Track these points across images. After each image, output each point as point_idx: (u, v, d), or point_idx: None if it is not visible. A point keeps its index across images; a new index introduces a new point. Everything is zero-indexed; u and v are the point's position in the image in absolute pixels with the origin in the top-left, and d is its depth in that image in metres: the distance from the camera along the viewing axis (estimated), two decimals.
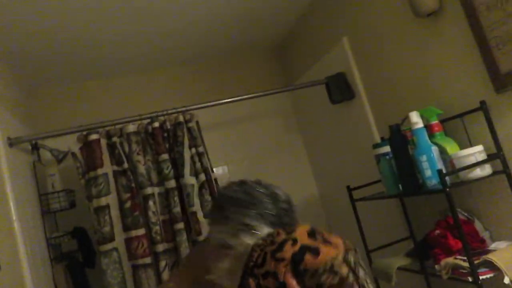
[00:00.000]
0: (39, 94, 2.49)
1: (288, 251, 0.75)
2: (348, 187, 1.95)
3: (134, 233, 1.78)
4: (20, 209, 1.68)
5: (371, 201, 1.92)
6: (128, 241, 1.79)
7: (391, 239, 1.97)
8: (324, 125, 2.58)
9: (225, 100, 2.12)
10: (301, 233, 0.79)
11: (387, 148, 1.74)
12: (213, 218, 0.90)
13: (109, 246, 1.77)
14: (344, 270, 0.73)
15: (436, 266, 1.48)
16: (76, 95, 2.56)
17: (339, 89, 2.20)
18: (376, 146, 1.84)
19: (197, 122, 2.03)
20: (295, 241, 0.76)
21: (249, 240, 0.82)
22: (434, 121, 1.58)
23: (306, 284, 0.72)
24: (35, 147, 2.05)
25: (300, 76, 2.72)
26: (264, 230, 0.82)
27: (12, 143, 1.76)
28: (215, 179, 2.00)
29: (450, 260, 1.42)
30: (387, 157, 1.74)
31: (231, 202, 0.87)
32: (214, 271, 0.87)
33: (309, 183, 2.85)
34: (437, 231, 1.58)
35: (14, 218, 1.62)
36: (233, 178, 2.64)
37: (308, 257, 0.73)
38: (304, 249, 0.74)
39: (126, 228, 1.80)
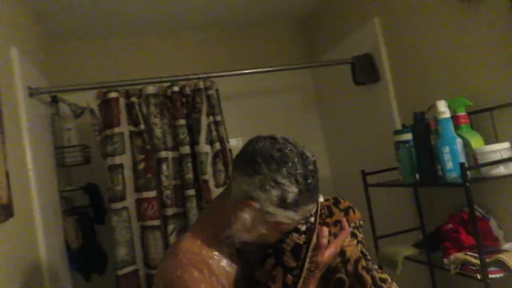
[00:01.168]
0: (62, 48, 2.48)
1: (344, 204, 1.03)
2: (362, 171, 1.92)
3: (145, 194, 1.80)
4: (36, 160, 1.69)
5: (384, 188, 1.89)
6: (139, 202, 1.80)
7: (401, 228, 1.94)
8: (344, 106, 2.53)
9: (247, 71, 2.08)
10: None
11: (408, 136, 1.69)
12: (242, 168, 0.91)
13: (119, 204, 1.79)
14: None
15: (445, 260, 1.46)
16: (98, 51, 2.54)
17: (364, 70, 2.14)
18: (397, 132, 1.79)
19: (216, 90, 2.00)
20: (343, 199, 1.05)
21: (275, 197, 0.86)
22: (462, 113, 1.52)
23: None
24: (54, 100, 2.05)
25: (324, 53, 2.65)
26: (292, 188, 0.86)
27: (32, 93, 1.76)
28: (230, 150, 1.99)
29: (460, 255, 1.40)
30: (407, 144, 1.70)
31: (264, 157, 0.88)
32: (234, 221, 0.90)
33: (322, 164, 2.81)
34: (450, 225, 1.55)
35: (29, 167, 1.64)
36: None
37: (351, 212, 1.02)
38: (350, 207, 1.04)
39: (137, 189, 1.81)
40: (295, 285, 0.89)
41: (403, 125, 1.99)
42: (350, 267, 0.94)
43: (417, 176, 1.62)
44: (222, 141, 1.92)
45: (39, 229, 1.62)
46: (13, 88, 1.62)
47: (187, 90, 1.91)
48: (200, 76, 1.94)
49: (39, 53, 2.10)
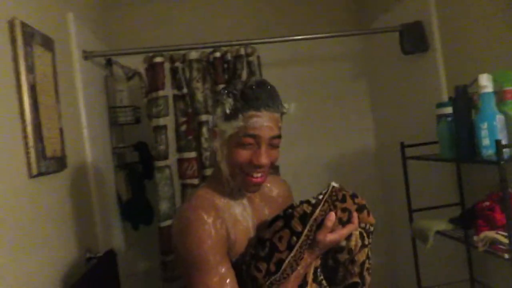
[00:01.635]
0: (116, 12, 2.59)
1: (360, 201, 1.07)
2: (402, 143, 1.89)
3: (186, 155, 1.91)
4: (90, 118, 1.86)
5: (425, 161, 1.85)
6: (180, 162, 1.92)
7: (438, 203, 1.91)
8: (392, 76, 2.45)
9: (291, 38, 2.08)
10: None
11: (450, 109, 1.63)
12: None
13: (163, 163, 1.92)
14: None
15: (475, 237, 1.44)
16: (149, 16, 2.62)
17: (413, 39, 2.04)
18: (439, 105, 1.74)
19: (257, 57, 2.03)
20: (362, 198, 1.09)
21: (220, 113, 1.04)
22: (509, 87, 1.44)
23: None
24: (109, 63, 2.19)
25: (374, 20, 2.54)
26: (228, 100, 1.01)
27: (87, 56, 1.90)
28: None
29: (491, 233, 1.37)
30: (449, 118, 1.64)
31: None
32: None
33: (367, 134, 2.78)
34: (486, 203, 1.51)
35: (84, 125, 1.81)
36: (291, 118, 2.67)
37: (365, 212, 1.07)
38: (365, 207, 1.07)
39: (179, 149, 1.93)
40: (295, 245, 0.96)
41: (450, 98, 1.91)
42: (356, 269, 1.03)
43: (456, 151, 1.58)
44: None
45: (92, 179, 1.80)
46: (69, 51, 1.76)
47: (229, 56, 1.96)
48: (242, 42, 1.97)
49: (95, 18, 2.23)
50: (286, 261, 0.95)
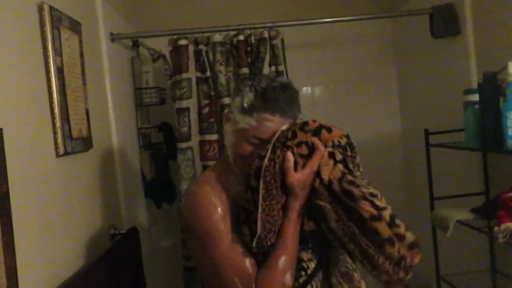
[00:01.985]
0: None
1: (312, 125, 1.01)
2: (426, 130, 1.85)
3: (207, 137, 1.94)
4: (116, 99, 1.91)
5: (450, 149, 1.81)
6: (202, 144, 1.96)
7: (461, 191, 1.87)
8: (420, 60, 2.38)
9: (317, 20, 2.05)
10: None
11: (478, 97, 1.58)
12: None
13: (185, 144, 1.96)
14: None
15: (496, 228, 1.41)
16: None
17: (444, 22, 1.98)
18: (467, 92, 1.69)
19: (281, 40, 2.01)
20: (314, 121, 1.02)
21: (238, 103, 1.04)
22: None
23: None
24: (135, 44, 2.22)
25: (405, 1, 2.46)
26: (249, 94, 1.03)
27: (114, 38, 1.94)
28: None
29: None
30: (476, 106, 1.59)
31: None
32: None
33: (393, 119, 2.73)
34: (509, 194, 1.47)
35: (110, 106, 1.86)
36: (317, 101, 2.67)
37: (324, 132, 1.00)
38: (321, 127, 1.01)
39: (201, 132, 1.96)
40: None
41: (479, 85, 1.85)
42: (336, 187, 0.94)
43: (482, 140, 1.54)
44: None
45: (117, 159, 1.86)
46: (96, 34, 1.81)
47: (252, 39, 1.96)
48: (266, 25, 1.96)
49: (122, 0, 2.25)
50: (258, 218, 0.95)
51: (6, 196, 0.97)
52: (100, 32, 1.83)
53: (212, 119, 1.94)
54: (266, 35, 1.94)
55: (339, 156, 0.99)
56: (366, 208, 0.91)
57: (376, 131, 2.72)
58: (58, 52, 1.33)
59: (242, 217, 1.01)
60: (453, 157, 2.02)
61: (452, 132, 1.83)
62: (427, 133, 1.85)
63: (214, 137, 1.94)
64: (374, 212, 0.91)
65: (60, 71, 1.33)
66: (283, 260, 0.98)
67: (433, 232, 1.88)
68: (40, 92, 1.25)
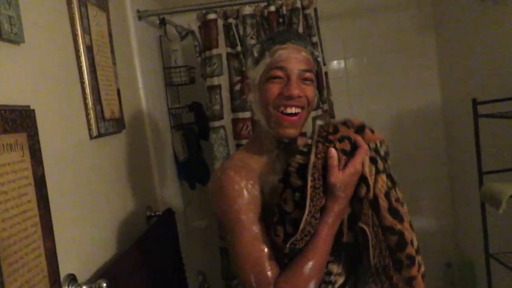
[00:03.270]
0: None
1: (355, 122, 0.95)
2: (473, 100, 1.73)
3: (240, 115, 1.88)
4: (146, 79, 1.86)
5: (499, 119, 1.68)
6: (235, 122, 1.90)
7: None
8: (464, 25, 2.21)
9: None
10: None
11: None
12: None
13: (217, 123, 1.91)
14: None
15: None
16: None
17: None
18: None
19: (315, 10, 1.91)
20: (356, 120, 0.97)
21: (250, 61, 1.05)
22: None
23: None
24: (162, 22, 2.16)
25: None
26: (257, 45, 1.05)
27: (141, 16, 1.88)
28: (326, 73, 1.93)
29: None
30: None
31: None
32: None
33: (433, 89, 2.57)
34: None
35: (140, 86, 1.82)
36: (351, 73, 2.55)
37: (367, 131, 0.95)
38: (365, 125, 0.96)
39: (234, 110, 1.90)
40: (304, 202, 0.86)
41: None
42: (383, 203, 0.88)
43: None
44: (317, 63, 1.87)
45: (150, 140, 1.83)
46: (123, 11, 1.75)
47: (284, 10, 1.86)
48: None
49: None
50: (303, 220, 0.86)
51: (42, 179, 0.94)
52: (127, 10, 1.78)
53: (244, 96, 1.87)
54: (298, 4, 1.84)
55: (381, 164, 0.91)
56: (409, 250, 0.89)
57: (414, 104, 2.58)
58: (87, 30, 1.29)
59: (277, 217, 0.92)
60: (502, 128, 1.88)
61: (502, 101, 1.70)
62: (475, 103, 1.72)
63: (247, 114, 1.87)
64: (413, 253, 0.90)
65: (89, 49, 1.29)
66: (310, 266, 0.88)
67: (482, 208, 1.78)
68: (71, 72, 1.22)
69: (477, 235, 1.88)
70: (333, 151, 0.87)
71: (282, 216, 0.91)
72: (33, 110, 0.94)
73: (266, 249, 0.92)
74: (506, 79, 1.83)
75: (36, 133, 0.94)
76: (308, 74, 0.98)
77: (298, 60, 0.97)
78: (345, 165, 0.87)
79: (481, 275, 2.18)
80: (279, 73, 0.96)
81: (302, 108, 0.98)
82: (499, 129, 1.89)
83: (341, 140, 0.89)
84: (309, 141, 0.91)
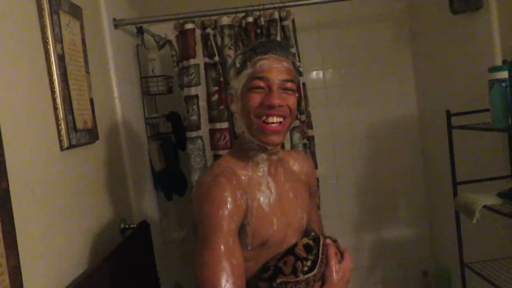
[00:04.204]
0: None
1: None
2: (447, 111, 1.75)
3: (218, 125, 1.86)
4: (122, 89, 1.83)
5: (471, 131, 1.72)
6: (212, 132, 1.88)
7: (485, 175, 1.78)
8: (438, 37, 2.26)
9: None
10: None
11: (505, 74, 1.48)
12: None
13: (194, 133, 1.89)
14: None
15: None
16: None
17: None
18: (493, 69, 1.58)
19: (292, 21, 1.92)
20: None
21: (232, 72, 1.06)
22: None
23: None
24: (140, 31, 2.14)
25: None
26: (239, 56, 1.06)
27: (117, 24, 1.86)
28: (303, 84, 1.93)
29: None
30: (503, 84, 1.49)
31: None
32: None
33: (409, 100, 2.62)
34: None
35: (115, 95, 1.79)
36: (329, 84, 2.57)
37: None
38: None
39: (211, 120, 1.88)
40: (309, 271, 0.94)
41: (504, 61, 1.74)
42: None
43: (510, 120, 1.44)
44: (299, 73, 1.87)
45: (125, 150, 1.79)
46: (99, 20, 1.72)
47: (262, 21, 1.86)
48: (276, 5, 1.86)
49: None
50: (297, 281, 0.94)
51: (6, 192, 0.90)
52: (103, 18, 1.75)
53: (222, 107, 1.86)
54: (276, 16, 1.85)
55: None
56: None
57: (391, 115, 2.62)
58: (58, 39, 1.26)
59: (268, 274, 0.97)
60: (476, 139, 1.92)
61: (475, 113, 1.73)
62: (449, 114, 1.75)
63: (224, 125, 1.86)
64: None
65: (61, 58, 1.26)
66: None
67: (456, 218, 1.80)
68: (41, 81, 1.18)
69: (453, 244, 1.90)
70: (332, 247, 1.01)
71: (274, 274, 0.96)
72: None
73: (234, 262, 0.90)
74: (479, 90, 1.87)
75: (1, 146, 0.90)
76: (289, 84, 0.99)
77: (279, 70, 0.98)
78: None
79: (457, 284, 2.20)
80: (261, 83, 0.98)
81: (284, 117, 0.99)
82: (472, 140, 1.93)
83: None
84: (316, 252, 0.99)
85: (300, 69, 1.06)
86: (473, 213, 1.58)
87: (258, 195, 1.00)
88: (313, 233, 1.04)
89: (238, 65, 1.02)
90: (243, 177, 1.01)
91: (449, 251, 2.22)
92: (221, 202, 0.92)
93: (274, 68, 0.98)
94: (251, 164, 1.04)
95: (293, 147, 1.85)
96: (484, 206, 1.56)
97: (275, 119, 0.97)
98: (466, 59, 2.00)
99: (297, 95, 1.03)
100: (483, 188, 1.74)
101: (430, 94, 2.46)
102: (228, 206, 0.92)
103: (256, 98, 0.98)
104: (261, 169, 1.04)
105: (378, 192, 2.63)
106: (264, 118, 0.97)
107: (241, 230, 0.96)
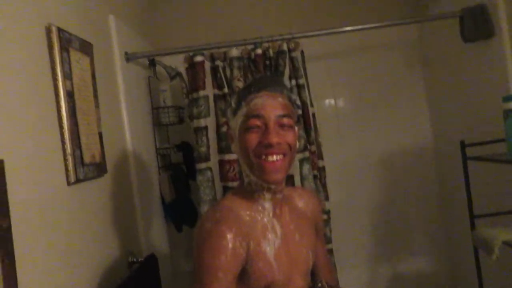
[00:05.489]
0: (161, 10, 2.57)
1: None
2: (462, 142, 1.71)
3: (227, 157, 1.85)
4: (132, 120, 1.85)
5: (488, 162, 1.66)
6: (221, 163, 1.87)
7: (505, 208, 1.71)
8: (450, 66, 2.23)
9: (338, 30, 1.94)
10: None
11: None
12: None
13: (204, 165, 1.88)
14: None
15: None
16: (192, 12, 2.57)
17: (476, 24, 1.84)
18: (507, 99, 1.54)
19: (301, 52, 1.92)
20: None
21: (229, 113, 1.07)
22: None
23: None
24: (152, 63, 2.17)
25: (431, 4, 2.32)
26: (234, 97, 1.06)
27: (129, 58, 1.89)
28: (313, 114, 1.92)
29: None
30: None
31: None
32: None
33: (423, 128, 2.57)
34: None
35: (126, 127, 1.80)
36: (341, 112, 2.55)
37: None
38: None
39: (220, 151, 1.87)
40: None
41: None
42: None
43: None
44: (304, 105, 1.86)
45: (134, 183, 1.79)
46: (110, 54, 1.76)
47: (271, 53, 1.87)
48: (285, 37, 1.87)
49: (136, 18, 2.22)
50: None
51: (7, 231, 0.90)
52: (114, 52, 1.79)
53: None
54: (285, 47, 1.85)
55: None
56: None
57: (405, 144, 2.57)
58: (68, 75, 1.28)
59: None
60: (493, 171, 1.85)
61: (491, 143, 1.68)
62: (463, 145, 1.70)
63: (234, 156, 1.84)
64: None
65: (70, 95, 1.28)
66: None
67: (475, 254, 1.72)
68: (49, 117, 1.20)
69: (472, 277, 1.81)
70: None
71: None
72: (2, 161, 0.91)
73: None
74: (494, 119, 1.82)
75: (3, 184, 0.91)
76: (286, 120, 0.98)
77: (274, 107, 0.97)
78: None
79: None
80: (257, 121, 0.97)
81: (284, 154, 0.98)
82: (489, 170, 1.86)
83: None
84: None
85: (297, 102, 1.06)
86: (492, 249, 1.51)
87: (262, 239, 0.98)
88: (319, 284, 1.02)
89: (233, 105, 1.03)
90: (246, 218, 0.99)
91: (469, 284, 2.12)
92: (219, 251, 0.90)
93: (269, 104, 0.97)
94: (255, 205, 1.02)
95: (302, 179, 1.82)
96: (504, 242, 1.49)
97: (274, 157, 0.96)
98: (479, 87, 1.96)
99: (296, 128, 1.02)
100: (502, 221, 1.66)
101: (444, 122, 2.41)
102: (226, 256, 0.90)
103: (253, 138, 0.97)
104: (266, 211, 1.02)
105: (392, 223, 2.55)
106: (263, 157, 0.96)
107: (244, 275, 0.94)
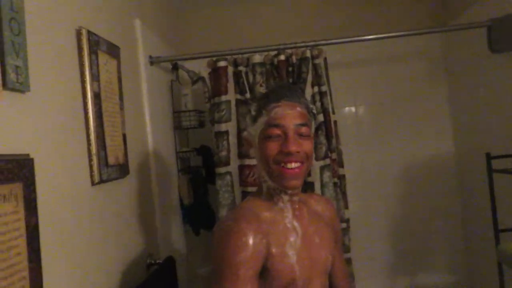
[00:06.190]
0: (185, 16, 2.61)
1: None
2: (487, 154, 1.67)
3: (247, 161, 1.85)
4: (154, 123, 1.87)
5: None
6: (241, 168, 1.87)
7: None
8: (476, 77, 2.19)
9: (362, 38, 1.93)
10: None
11: None
12: None
13: (223, 169, 1.88)
14: None
15: None
16: (216, 18, 2.61)
17: (504, 35, 1.81)
18: None
19: (324, 59, 1.91)
20: None
21: (248, 119, 1.10)
22: None
23: None
24: (175, 67, 2.20)
25: (458, 15, 2.30)
26: (254, 104, 1.09)
27: (153, 61, 1.92)
28: (335, 121, 1.91)
29: None
30: None
31: None
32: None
33: (446, 139, 2.53)
34: None
35: (148, 130, 1.82)
36: (362, 121, 2.53)
37: None
38: None
39: (240, 156, 1.87)
40: None
41: None
42: None
43: None
44: (326, 112, 1.85)
45: (154, 185, 1.81)
46: (135, 57, 1.79)
47: (294, 59, 1.87)
48: (308, 44, 1.87)
49: (161, 23, 2.25)
50: None
51: (35, 230, 0.92)
52: (139, 56, 1.82)
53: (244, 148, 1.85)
54: (308, 54, 1.85)
55: None
56: None
57: (426, 155, 2.52)
58: (96, 77, 1.31)
59: None
60: None
61: None
62: (489, 157, 1.67)
63: (254, 161, 1.84)
64: None
65: (97, 96, 1.30)
66: None
67: (499, 269, 1.68)
68: (76, 118, 1.22)
69: None
70: None
71: None
72: (32, 159, 0.93)
73: None
74: None
75: (33, 182, 0.92)
76: (304, 129, 1.02)
77: (293, 116, 1.02)
78: None
79: None
80: (277, 130, 1.01)
81: (302, 162, 1.02)
82: None
83: None
84: None
85: (314, 111, 1.07)
86: None
87: (283, 238, 1.00)
88: None
89: (253, 112, 1.07)
90: (267, 218, 1.02)
91: None
92: (240, 248, 0.91)
93: (288, 114, 1.01)
94: (275, 207, 1.05)
95: (323, 186, 1.81)
96: None
97: (293, 165, 1.00)
98: (505, 99, 1.92)
99: (312, 136, 1.07)
100: None
101: (468, 133, 2.37)
102: (247, 252, 0.91)
103: (273, 146, 1.01)
104: (285, 212, 1.05)
105: (412, 235, 2.51)
106: (283, 164, 1.00)
107: (264, 273, 0.96)
